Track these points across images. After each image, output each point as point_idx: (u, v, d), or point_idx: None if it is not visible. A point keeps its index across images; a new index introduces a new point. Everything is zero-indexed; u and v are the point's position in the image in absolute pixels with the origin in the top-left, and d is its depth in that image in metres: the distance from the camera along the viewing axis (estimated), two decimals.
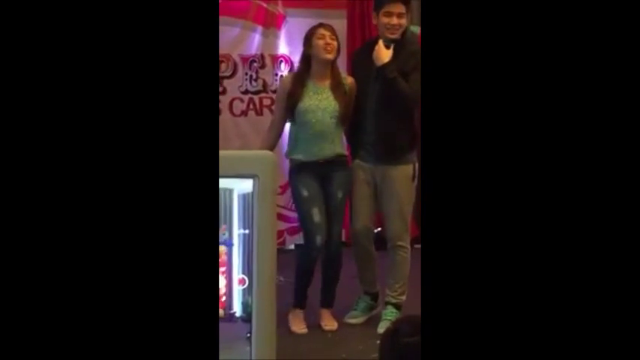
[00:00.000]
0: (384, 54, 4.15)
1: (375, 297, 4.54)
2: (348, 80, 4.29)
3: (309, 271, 4.26)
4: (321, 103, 4.14)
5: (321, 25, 4.24)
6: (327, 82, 4.18)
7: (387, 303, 4.38)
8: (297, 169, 4.20)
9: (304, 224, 4.23)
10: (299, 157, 4.19)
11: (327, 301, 4.38)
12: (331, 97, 4.16)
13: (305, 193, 4.17)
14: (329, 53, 4.15)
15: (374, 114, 4.25)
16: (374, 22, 4.37)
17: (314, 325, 4.35)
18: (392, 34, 4.19)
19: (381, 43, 4.19)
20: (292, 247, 6.05)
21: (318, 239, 4.18)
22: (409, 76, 4.13)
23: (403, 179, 4.26)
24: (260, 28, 6.20)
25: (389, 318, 4.24)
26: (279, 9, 6.22)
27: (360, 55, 4.49)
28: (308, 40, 4.17)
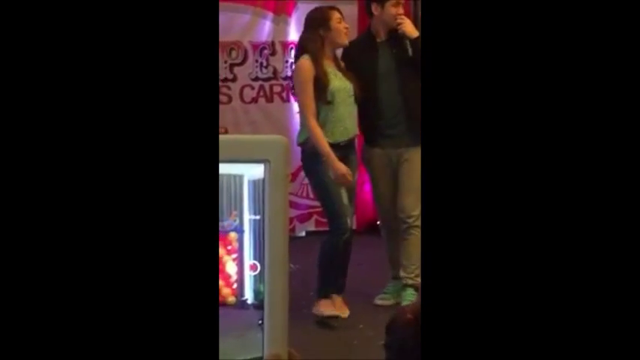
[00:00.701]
0: (413, 27, 4.28)
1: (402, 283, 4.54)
2: (342, 63, 4.34)
3: (341, 255, 4.21)
4: (341, 83, 4.15)
5: (335, 8, 4.23)
6: (333, 63, 4.18)
7: (405, 285, 4.39)
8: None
9: (332, 207, 4.18)
10: (327, 139, 4.14)
11: (339, 287, 4.36)
12: (344, 78, 4.19)
13: (332, 175, 4.14)
14: (347, 38, 4.18)
15: (397, 96, 4.27)
16: (375, 12, 4.36)
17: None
18: (399, 24, 4.23)
19: (406, 19, 4.30)
20: (303, 234, 6.05)
21: (348, 221, 4.19)
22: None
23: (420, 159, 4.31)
24: (271, 14, 6.17)
25: (410, 299, 4.31)
26: None
27: (360, 47, 4.50)
28: (325, 22, 4.14)
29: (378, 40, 4.35)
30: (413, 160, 4.33)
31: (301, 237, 5.93)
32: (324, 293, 4.24)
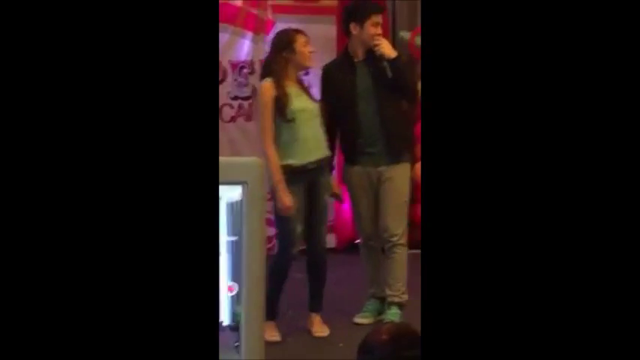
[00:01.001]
0: (391, 48, 4.34)
1: (384, 301, 4.56)
2: (305, 84, 4.41)
3: (281, 280, 4.25)
4: (305, 104, 4.18)
5: (300, 31, 4.27)
6: (296, 85, 4.22)
7: (390, 303, 4.40)
8: (287, 177, 4.15)
9: (285, 235, 4.21)
10: (291, 161, 4.15)
11: (317, 306, 4.37)
12: (308, 99, 4.23)
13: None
14: (311, 61, 4.21)
15: (375, 115, 4.31)
16: (354, 32, 4.37)
17: (302, 330, 4.37)
18: (376, 45, 4.29)
19: (384, 40, 4.35)
20: None
21: (294, 250, 4.23)
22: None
23: (403, 178, 4.37)
24: (250, 34, 6.20)
25: (393, 318, 4.31)
26: (269, 15, 6.22)
27: (339, 67, 4.54)
28: (289, 45, 4.17)
29: (356, 60, 4.39)
30: (393, 178, 4.35)
31: None
32: (267, 316, 4.28)
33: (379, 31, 4.33)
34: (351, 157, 4.45)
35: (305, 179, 4.19)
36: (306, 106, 4.19)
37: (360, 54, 4.35)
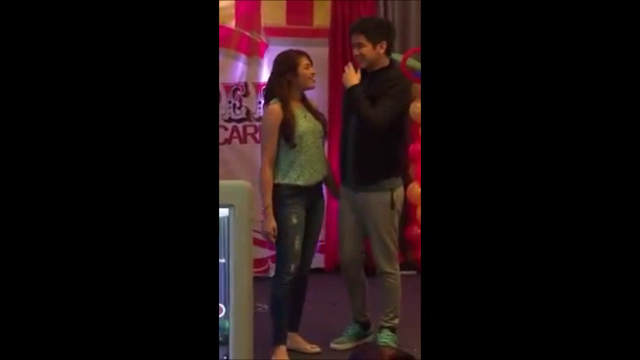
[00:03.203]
0: (352, 77, 4.29)
1: (364, 326, 4.56)
2: (314, 103, 4.40)
3: (285, 299, 4.26)
4: (310, 125, 4.20)
5: (302, 53, 4.28)
6: (301, 105, 4.23)
7: (382, 327, 4.42)
8: (290, 194, 4.18)
9: (284, 252, 4.22)
10: (297, 182, 4.18)
11: (296, 325, 4.39)
12: (314, 119, 4.24)
13: (295, 220, 4.19)
14: (314, 82, 4.24)
15: (351, 140, 4.32)
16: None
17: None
18: (359, 64, 4.30)
19: (350, 65, 4.34)
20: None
21: (293, 267, 4.23)
22: (378, 100, 4.20)
23: (380, 206, 4.28)
24: (243, 56, 6.23)
25: (385, 341, 4.33)
26: (262, 37, 6.25)
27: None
28: (292, 68, 4.19)
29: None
30: (368, 207, 4.33)
31: None
32: (279, 338, 4.27)
33: (356, 52, 4.30)
34: (342, 175, 4.47)
35: (307, 196, 4.22)
36: (312, 126, 4.23)
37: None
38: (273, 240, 4.18)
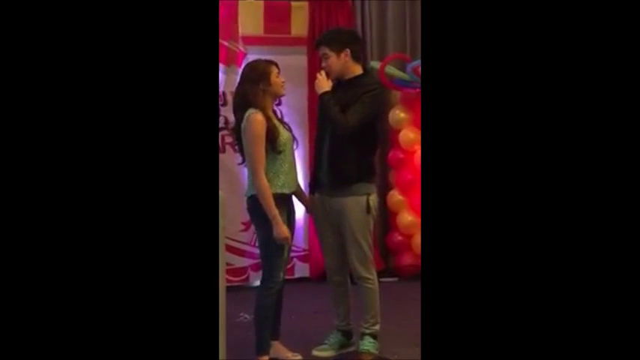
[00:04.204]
0: (323, 83, 4.32)
1: (347, 334, 4.55)
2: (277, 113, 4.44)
3: (271, 307, 4.25)
4: (287, 134, 4.21)
5: (271, 62, 4.29)
6: (273, 115, 4.26)
7: (363, 334, 4.42)
8: (277, 203, 4.14)
9: (272, 259, 4.20)
10: (283, 190, 4.17)
11: (277, 333, 4.38)
12: (285, 128, 4.25)
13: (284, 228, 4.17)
14: (284, 90, 4.27)
15: (326, 146, 4.35)
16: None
17: None
18: (329, 76, 4.34)
19: (323, 73, 4.36)
20: (257, 283, 6.02)
21: (282, 275, 4.22)
22: (349, 107, 4.22)
23: (355, 211, 4.29)
24: (221, 65, 6.20)
25: (367, 348, 4.34)
26: (240, 47, 6.24)
27: None
28: (265, 76, 4.19)
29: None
30: (343, 212, 4.33)
31: (256, 286, 5.91)
32: (263, 348, 4.25)
33: (323, 63, 4.36)
34: (315, 185, 4.47)
35: (288, 204, 4.23)
36: (288, 135, 4.24)
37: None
38: (291, 244, 4.18)
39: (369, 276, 4.37)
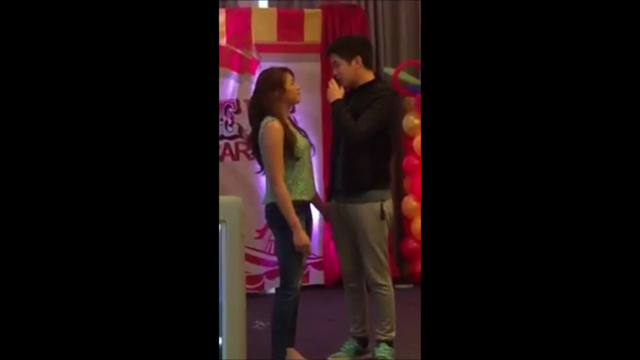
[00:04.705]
0: (335, 91, 4.33)
1: (363, 342, 4.54)
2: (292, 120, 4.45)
3: (289, 316, 4.23)
4: (304, 141, 4.21)
5: (286, 69, 4.29)
6: (290, 122, 4.26)
7: (378, 341, 4.41)
8: (297, 210, 4.13)
9: (291, 267, 4.19)
10: (302, 197, 4.17)
11: (293, 340, 4.36)
12: (302, 135, 4.24)
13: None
14: (299, 97, 4.27)
15: (341, 153, 4.36)
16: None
17: None
18: (341, 84, 4.35)
19: (334, 81, 4.37)
20: (272, 290, 6.02)
21: (300, 283, 4.22)
22: (360, 114, 4.22)
23: (369, 217, 4.29)
24: (235, 73, 6.23)
25: (383, 355, 4.32)
26: (253, 54, 6.26)
27: None
28: (280, 84, 4.19)
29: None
30: (357, 218, 4.33)
31: (271, 294, 5.91)
32: (280, 357, 4.24)
33: (334, 71, 4.37)
34: (331, 191, 4.47)
35: (306, 211, 4.23)
36: (305, 142, 4.24)
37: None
38: (310, 252, 4.20)
39: (385, 282, 4.36)
